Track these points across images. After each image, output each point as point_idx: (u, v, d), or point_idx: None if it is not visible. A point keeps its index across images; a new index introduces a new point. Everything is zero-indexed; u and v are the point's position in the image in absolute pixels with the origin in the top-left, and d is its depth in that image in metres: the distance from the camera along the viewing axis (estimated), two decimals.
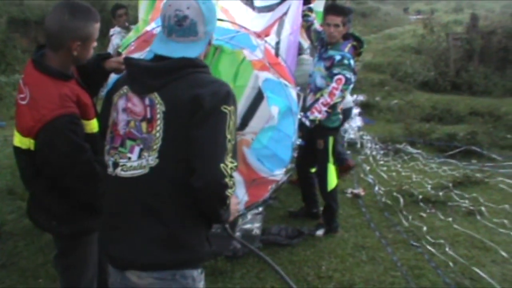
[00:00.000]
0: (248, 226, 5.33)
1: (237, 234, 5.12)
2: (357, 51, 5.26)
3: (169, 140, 2.20)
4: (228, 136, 2.17)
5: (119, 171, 2.27)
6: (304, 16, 5.66)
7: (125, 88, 2.34)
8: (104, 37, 6.58)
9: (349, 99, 6.88)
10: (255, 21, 4.90)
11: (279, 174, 4.87)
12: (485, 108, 10.93)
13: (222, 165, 2.12)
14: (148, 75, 2.26)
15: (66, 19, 2.60)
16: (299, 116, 4.87)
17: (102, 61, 3.02)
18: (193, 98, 2.16)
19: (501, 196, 6.48)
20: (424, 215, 5.91)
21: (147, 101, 2.24)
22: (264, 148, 4.84)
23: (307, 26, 5.75)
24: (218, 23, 4.35)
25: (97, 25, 2.74)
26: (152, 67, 2.28)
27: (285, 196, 6.44)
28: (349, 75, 4.97)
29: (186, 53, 2.27)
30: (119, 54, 4.05)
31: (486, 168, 7.53)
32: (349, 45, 5.13)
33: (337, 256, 4.98)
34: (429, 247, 5.10)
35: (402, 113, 10.79)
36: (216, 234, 4.98)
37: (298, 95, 4.76)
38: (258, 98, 4.94)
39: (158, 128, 2.20)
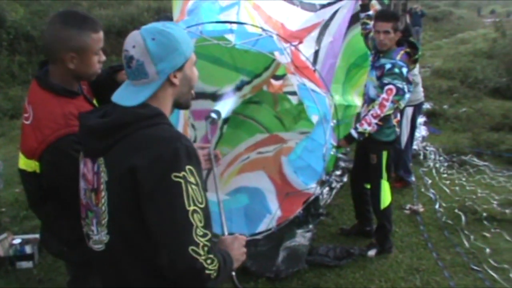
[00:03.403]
0: (294, 244, 5.07)
1: (282, 253, 4.88)
2: (411, 59, 4.91)
3: (115, 214, 1.91)
4: (191, 208, 1.80)
5: (91, 244, 2.05)
6: (363, 24, 5.39)
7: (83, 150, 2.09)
8: None
9: (421, 93, 6.83)
10: (293, 18, 4.70)
11: (312, 187, 4.63)
12: None
13: (190, 248, 1.78)
14: (92, 136, 1.95)
15: (57, 27, 2.39)
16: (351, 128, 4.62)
17: (115, 74, 2.80)
18: (128, 170, 1.81)
19: None
20: (488, 235, 5.47)
21: (95, 167, 1.96)
22: (298, 159, 4.63)
23: (365, 34, 5.44)
24: (246, 27, 4.22)
25: (96, 35, 2.47)
26: (95, 126, 1.94)
27: (339, 213, 6.13)
28: (401, 84, 4.61)
29: (133, 100, 1.94)
30: None
31: None
32: (402, 52, 4.77)
33: (388, 280, 4.66)
34: (491, 272, 4.71)
35: (470, 121, 10.18)
36: (258, 253, 4.79)
37: (330, 101, 4.51)
38: None
39: (103, 200, 1.93)
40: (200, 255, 1.80)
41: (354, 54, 5.58)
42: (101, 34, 2.51)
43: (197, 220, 1.81)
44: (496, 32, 14.64)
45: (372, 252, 5.08)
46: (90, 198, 2.00)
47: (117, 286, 2.01)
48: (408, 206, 6.26)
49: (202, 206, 1.84)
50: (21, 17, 15.58)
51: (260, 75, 5.83)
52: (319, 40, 4.78)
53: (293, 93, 5.96)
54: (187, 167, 1.82)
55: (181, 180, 1.79)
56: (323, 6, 4.87)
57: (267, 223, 4.60)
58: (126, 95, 1.98)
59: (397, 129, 5.03)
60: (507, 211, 5.94)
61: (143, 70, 1.93)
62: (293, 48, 4.26)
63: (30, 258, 5.05)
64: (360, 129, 4.70)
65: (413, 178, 7.07)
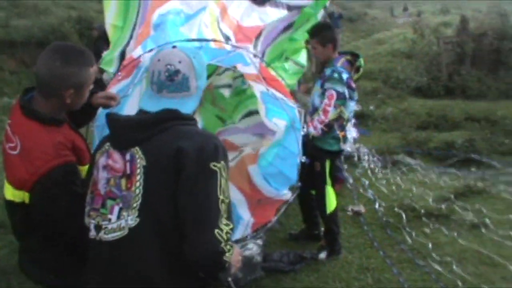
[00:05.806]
0: (248, 253, 5.15)
1: None
2: (354, 66, 5.09)
3: (150, 197, 2.06)
4: (221, 197, 2.03)
5: (102, 235, 2.12)
6: None
7: (107, 145, 2.23)
8: None
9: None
10: (247, 12, 4.75)
11: (286, 193, 4.69)
12: (480, 112, 10.80)
13: (216, 231, 1.98)
14: (131, 129, 2.16)
15: (58, 65, 2.38)
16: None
17: (89, 97, 2.82)
18: (176, 151, 2.03)
19: (504, 206, 6.36)
20: (428, 230, 5.76)
21: (127, 157, 2.12)
22: (270, 166, 4.65)
23: None
24: (212, 44, 4.24)
25: (93, 69, 2.51)
26: (136, 120, 2.20)
27: (285, 218, 6.23)
28: (341, 89, 4.79)
29: (180, 110, 2.20)
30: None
31: (487, 176, 7.41)
32: (342, 59, 4.98)
33: (342, 280, 4.84)
34: (435, 266, 4.97)
35: (398, 121, 10.67)
36: None
37: (299, 112, 4.59)
38: None
39: (137, 184, 2.07)
40: (223, 239, 1.99)
41: (271, 55, 5.59)
42: (96, 67, 2.57)
43: (223, 209, 2.03)
44: (414, 33, 15.29)
45: (323, 255, 5.23)
46: (117, 185, 2.13)
47: (128, 276, 2.08)
48: (350, 207, 6.48)
49: (227, 200, 2.07)
50: None
51: None
52: (255, 45, 4.83)
53: (224, 86, 5.96)
54: (222, 162, 2.08)
55: (218, 170, 2.04)
56: (273, 4, 4.91)
57: (242, 231, 4.60)
58: (169, 106, 2.19)
59: (342, 143, 5.11)
60: (442, 206, 6.26)
61: (187, 84, 2.22)
62: (262, 62, 4.33)
63: None
64: (304, 131, 4.82)
65: (345, 173, 7.30)
